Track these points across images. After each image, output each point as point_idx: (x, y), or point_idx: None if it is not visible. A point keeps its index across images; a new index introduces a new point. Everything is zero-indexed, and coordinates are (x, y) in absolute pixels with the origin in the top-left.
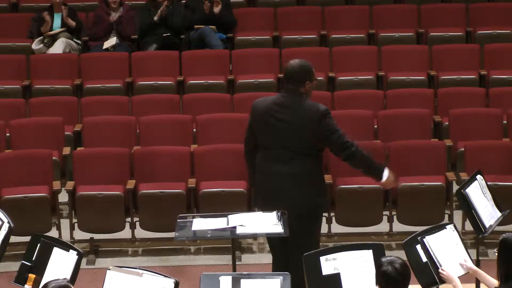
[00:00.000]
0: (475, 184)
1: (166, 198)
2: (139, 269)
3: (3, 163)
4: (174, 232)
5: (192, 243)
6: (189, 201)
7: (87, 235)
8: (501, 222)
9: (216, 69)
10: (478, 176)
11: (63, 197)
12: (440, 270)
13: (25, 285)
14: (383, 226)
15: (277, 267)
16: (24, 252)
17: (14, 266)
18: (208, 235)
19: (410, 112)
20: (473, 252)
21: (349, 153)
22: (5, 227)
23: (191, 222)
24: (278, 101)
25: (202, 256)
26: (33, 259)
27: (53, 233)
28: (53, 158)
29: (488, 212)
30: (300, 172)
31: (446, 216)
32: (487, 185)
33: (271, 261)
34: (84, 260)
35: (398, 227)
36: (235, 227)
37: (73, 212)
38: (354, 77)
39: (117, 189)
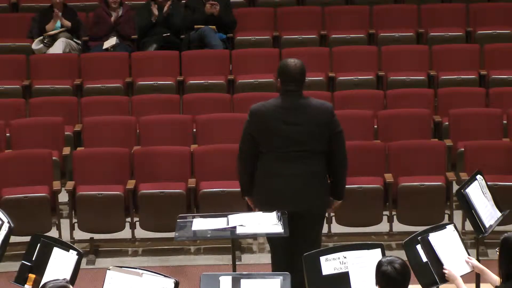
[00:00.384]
0: (475, 184)
1: (166, 198)
2: (139, 269)
3: (3, 163)
4: (174, 232)
5: (192, 243)
6: (189, 201)
7: (87, 235)
8: (501, 222)
9: (216, 69)
10: (478, 176)
11: (63, 197)
12: (444, 269)
13: (25, 285)
14: (383, 226)
15: (280, 267)
16: (24, 252)
17: (14, 266)
18: (208, 235)
19: (410, 112)
20: (473, 252)
21: (345, 157)
22: (5, 227)
23: (191, 222)
24: (285, 104)
25: (202, 256)
26: (33, 259)
27: (53, 233)
28: (53, 158)
29: (488, 212)
30: (316, 171)
31: (446, 216)
32: (487, 185)
33: (270, 261)
34: (84, 260)
35: (398, 227)
36: (235, 227)
37: (73, 212)
38: (354, 77)
39: (117, 189)
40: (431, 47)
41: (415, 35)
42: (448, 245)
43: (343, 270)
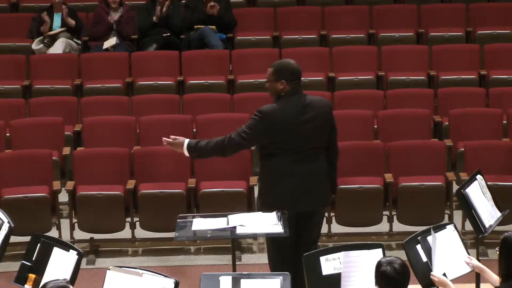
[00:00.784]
0: (475, 184)
1: (166, 198)
2: (139, 269)
3: (3, 163)
4: (174, 232)
5: (192, 243)
6: (189, 201)
7: (87, 235)
8: (501, 222)
9: (216, 69)
10: (478, 176)
11: (63, 197)
12: (431, 275)
13: (25, 285)
14: (383, 226)
15: (284, 265)
16: (24, 252)
17: (14, 266)
18: (208, 235)
19: (410, 112)
20: (473, 252)
21: (338, 150)
22: (5, 227)
23: (191, 222)
24: (295, 103)
25: (202, 256)
26: (33, 259)
27: (53, 233)
28: (53, 158)
29: (488, 212)
30: (324, 168)
31: (446, 216)
32: (487, 185)
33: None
34: (84, 260)
35: (398, 227)
36: (235, 227)
37: (73, 212)
38: (354, 77)
39: (117, 189)
40: (431, 47)
41: (415, 35)
42: (448, 245)
43: (343, 270)
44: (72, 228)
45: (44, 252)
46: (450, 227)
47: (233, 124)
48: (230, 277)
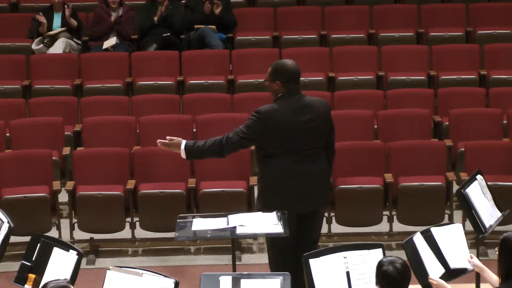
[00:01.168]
0: (475, 184)
1: (166, 198)
2: (139, 269)
3: (3, 163)
4: (174, 232)
5: (192, 243)
6: (189, 201)
7: (87, 235)
8: (501, 222)
9: (216, 69)
10: (478, 176)
11: (63, 197)
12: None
13: (25, 285)
14: (383, 226)
15: (284, 265)
16: (24, 252)
17: (14, 266)
18: (208, 235)
19: (410, 112)
20: (473, 252)
21: (333, 153)
22: (5, 227)
23: (191, 222)
24: (295, 104)
25: (202, 256)
26: (33, 259)
27: (53, 233)
28: (53, 158)
29: (488, 212)
30: (324, 168)
31: (446, 216)
32: (487, 185)
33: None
34: (84, 260)
35: (398, 227)
36: (235, 227)
37: (73, 212)
38: (354, 77)
39: (117, 189)
40: (431, 47)
41: (415, 35)
42: (452, 240)
43: (343, 270)
44: (72, 228)
45: (44, 252)
46: (457, 225)
47: (233, 124)
48: (230, 277)
